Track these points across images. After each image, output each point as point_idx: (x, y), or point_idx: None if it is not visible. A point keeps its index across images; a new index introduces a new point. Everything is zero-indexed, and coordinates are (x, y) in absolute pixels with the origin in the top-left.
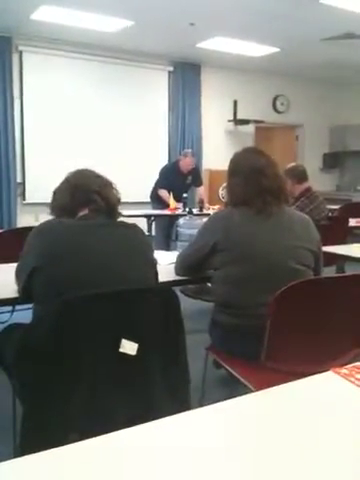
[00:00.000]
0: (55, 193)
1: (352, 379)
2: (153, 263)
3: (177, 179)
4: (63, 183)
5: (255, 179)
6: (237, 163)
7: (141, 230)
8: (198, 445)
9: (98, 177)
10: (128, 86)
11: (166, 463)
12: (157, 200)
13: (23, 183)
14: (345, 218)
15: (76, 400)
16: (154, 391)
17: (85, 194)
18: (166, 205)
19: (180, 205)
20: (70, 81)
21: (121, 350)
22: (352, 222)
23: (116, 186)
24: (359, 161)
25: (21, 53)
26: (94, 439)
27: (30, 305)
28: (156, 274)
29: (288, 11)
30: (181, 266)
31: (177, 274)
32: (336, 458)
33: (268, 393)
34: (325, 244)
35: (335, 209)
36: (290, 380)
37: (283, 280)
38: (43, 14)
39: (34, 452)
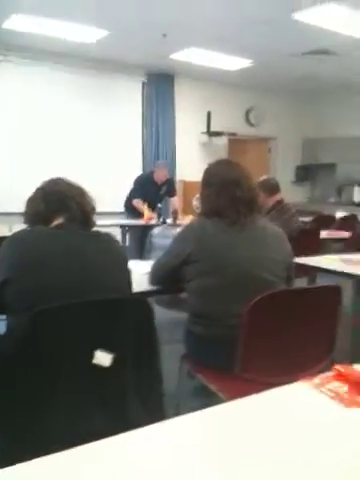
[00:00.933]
0: (29, 201)
1: (323, 389)
2: (127, 273)
3: (151, 189)
4: (37, 191)
5: (228, 190)
6: (211, 174)
7: (115, 239)
8: (171, 455)
9: (72, 185)
10: (102, 96)
11: (140, 474)
12: (131, 210)
13: None
14: (317, 230)
15: (50, 412)
16: (128, 400)
17: (60, 201)
18: (141, 215)
19: (154, 215)
20: (44, 91)
21: (94, 361)
22: (323, 234)
23: (90, 195)
24: (330, 174)
25: None
26: (68, 451)
27: (2, 317)
28: (130, 284)
29: (262, 25)
30: (155, 276)
31: (151, 284)
32: (309, 468)
33: (240, 403)
34: (297, 255)
35: (307, 221)
36: (263, 390)
37: (256, 291)
38: (15, 23)
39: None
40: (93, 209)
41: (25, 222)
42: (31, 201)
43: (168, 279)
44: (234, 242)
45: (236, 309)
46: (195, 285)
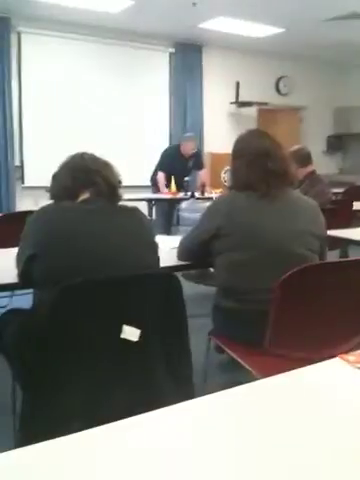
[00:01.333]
0: (54, 177)
1: (359, 366)
2: (155, 248)
3: (178, 162)
4: (62, 167)
5: (260, 162)
6: (241, 145)
7: (142, 214)
8: (203, 434)
9: (98, 159)
10: (128, 68)
11: (168, 452)
12: (157, 184)
13: (21, 166)
14: (349, 202)
15: (77, 387)
16: (156, 377)
17: (86, 175)
18: (164, 188)
19: (180, 194)
20: (69, 63)
21: (122, 336)
22: (356, 205)
23: (116, 168)
24: None
25: (19, 34)
26: (96, 429)
27: (29, 290)
28: (158, 259)
29: None
30: (184, 251)
31: (179, 259)
32: (344, 448)
33: (274, 380)
34: (329, 228)
35: (339, 192)
36: (293, 366)
37: (288, 265)
38: None
39: (34, 438)
40: (119, 182)
41: (51, 197)
42: (57, 176)
43: (197, 254)
44: (265, 215)
45: (267, 284)
46: (225, 259)
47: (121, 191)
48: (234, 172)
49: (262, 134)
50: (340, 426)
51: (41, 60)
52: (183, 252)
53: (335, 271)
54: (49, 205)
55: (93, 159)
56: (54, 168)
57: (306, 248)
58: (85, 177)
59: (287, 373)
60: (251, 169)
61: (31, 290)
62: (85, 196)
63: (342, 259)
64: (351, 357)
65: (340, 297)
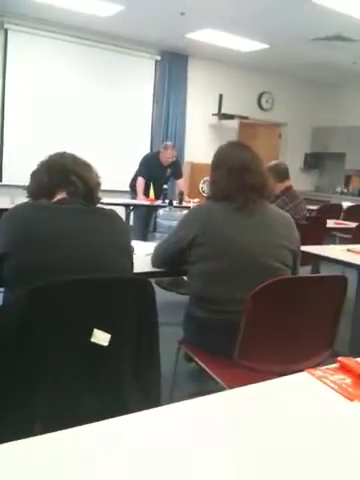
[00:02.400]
0: (32, 174)
1: (326, 381)
2: (129, 253)
3: (157, 170)
4: (41, 164)
5: (238, 175)
6: (221, 157)
7: (120, 218)
8: (168, 443)
9: (77, 159)
10: (114, 72)
11: (131, 460)
12: (136, 190)
13: (0, 165)
14: (323, 219)
15: (42, 389)
16: (124, 383)
17: (62, 175)
18: (142, 194)
19: (159, 201)
20: (55, 63)
21: (93, 340)
22: (330, 223)
23: (96, 170)
24: (339, 163)
25: (6, 31)
26: (60, 432)
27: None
28: (132, 264)
29: (280, 7)
30: (158, 258)
31: (153, 266)
32: (310, 460)
33: (242, 391)
34: (302, 244)
35: (313, 209)
36: (262, 379)
37: (261, 277)
38: None
39: None
40: (98, 184)
41: (28, 196)
42: (34, 174)
43: (172, 262)
44: (242, 227)
45: (240, 295)
46: (199, 268)
47: (100, 193)
48: (213, 183)
49: (243, 147)
50: (305, 440)
51: (26, 59)
52: (157, 259)
53: (306, 286)
54: (23, 203)
55: (72, 158)
56: (32, 167)
57: (280, 262)
58: (61, 176)
59: (254, 385)
60: (230, 181)
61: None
62: (61, 196)
63: (314, 275)
64: (318, 372)
65: (310, 312)
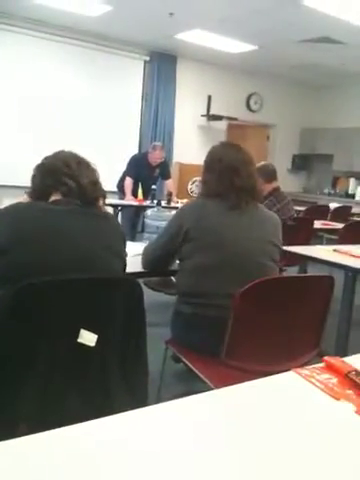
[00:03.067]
0: (31, 179)
1: (313, 380)
2: (122, 256)
3: (145, 170)
4: (36, 168)
5: (228, 177)
6: (213, 158)
7: (116, 221)
8: (153, 443)
9: (71, 159)
10: (102, 72)
11: (117, 460)
12: (124, 190)
13: None
14: (310, 220)
15: (27, 390)
16: (111, 383)
17: (54, 176)
18: (130, 195)
19: (147, 201)
20: (43, 63)
21: (79, 340)
22: (317, 224)
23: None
24: (326, 165)
25: None
26: (47, 433)
27: None
28: (124, 267)
29: (269, 9)
30: (151, 258)
31: (144, 268)
32: (296, 458)
33: (228, 391)
34: (290, 244)
35: (300, 210)
36: (249, 379)
37: (251, 273)
38: None
39: None
40: (92, 183)
41: (30, 198)
42: (33, 177)
43: (164, 263)
44: (233, 223)
45: (229, 289)
46: (190, 263)
47: (99, 189)
48: (205, 182)
49: (235, 148)
50: (292, 439)
51: (14, 57)
52: (150, 259)
53: (294, 286)
54: (20, 202)
55: (65, 158)
56: (22, 167)
57: (268, 258)
58: (53, 178)
59: (241, 384)
60: (220, 182)
61: None
62: (55, 197)
63: (301, 274)
64: (305, 371)
65: (298, 312)
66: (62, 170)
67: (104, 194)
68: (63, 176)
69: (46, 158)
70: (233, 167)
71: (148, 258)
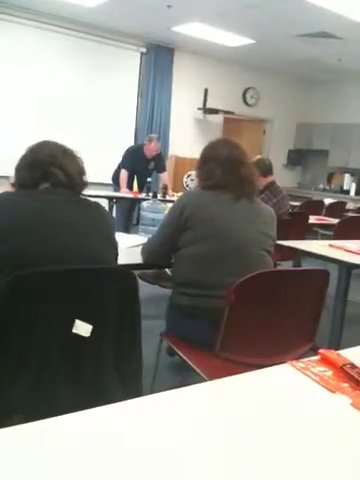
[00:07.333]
0: (15, 170)
1: (308, 372)
2: (114, 244)
3: (140, 163)
4: (22, 159)
5: (234, 167)
6: (214, 150)
7: (105, 210)
8: (146, 434)
9: (56, 148)
10: (98, 63)
11: (110, 450)
12: (119, 182)
13: None
14: (305, 215)
15: (22, 380)
16: (104, 374)
17: (41, 167)
18: (125, 187)
19: (142, 194)
20: (38, 53)
21: (74, 331)
22: (312, 219)
23: (79, 154)
24: (322, 160)
25: None
26: (39, 422)
27: None
28: (116, 255)
29: (267, 3)
30: (151, 250)
31: (145, 260)
32: (292, 451)
33: (222, 382)
34: (285, 238)
35: (296, 205)
36: (244, 371)
37: (251, 264)
38: None
39: None
40: (79, 172)
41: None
42: (17, 170)
43: (164, 254)
44: (232, 212)
45: (226, 279)
46: (187, 252)
47: (84, 179)
48: (206, 174)
49: (233, 144)
50: (287, 431)
51: (9, 47)
52: (149, 252)
53: (288, 279)
54: (7, 192)
55: (50, 148)
56: (12, 158)
57: (263, 249)
58: (41, 169)
59: (236, 376)
60: (227, 173)
61: None
62: (44, 186)
63: (296, 268)
64: (300, 364)
65: (293, 305)
66: (49, 162)
67: (87, 184)
68: (51, 166)
69: (31, 150)
70: (237, 158)
71: (150, 250)
